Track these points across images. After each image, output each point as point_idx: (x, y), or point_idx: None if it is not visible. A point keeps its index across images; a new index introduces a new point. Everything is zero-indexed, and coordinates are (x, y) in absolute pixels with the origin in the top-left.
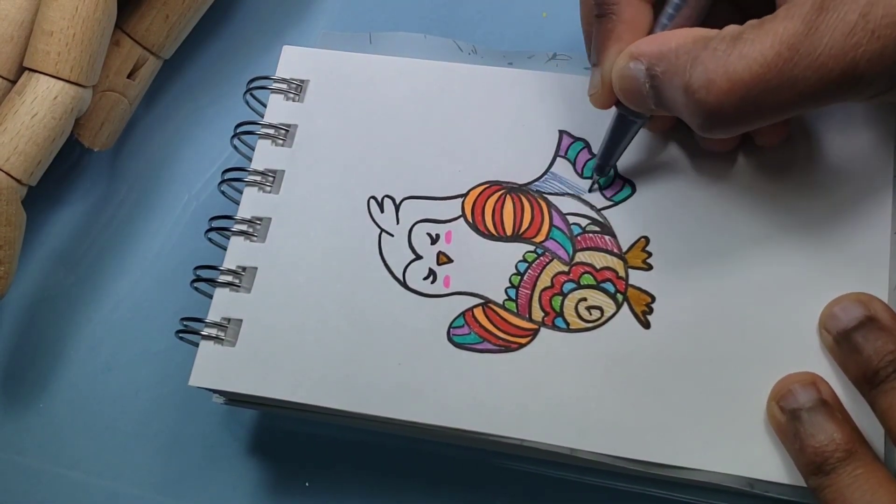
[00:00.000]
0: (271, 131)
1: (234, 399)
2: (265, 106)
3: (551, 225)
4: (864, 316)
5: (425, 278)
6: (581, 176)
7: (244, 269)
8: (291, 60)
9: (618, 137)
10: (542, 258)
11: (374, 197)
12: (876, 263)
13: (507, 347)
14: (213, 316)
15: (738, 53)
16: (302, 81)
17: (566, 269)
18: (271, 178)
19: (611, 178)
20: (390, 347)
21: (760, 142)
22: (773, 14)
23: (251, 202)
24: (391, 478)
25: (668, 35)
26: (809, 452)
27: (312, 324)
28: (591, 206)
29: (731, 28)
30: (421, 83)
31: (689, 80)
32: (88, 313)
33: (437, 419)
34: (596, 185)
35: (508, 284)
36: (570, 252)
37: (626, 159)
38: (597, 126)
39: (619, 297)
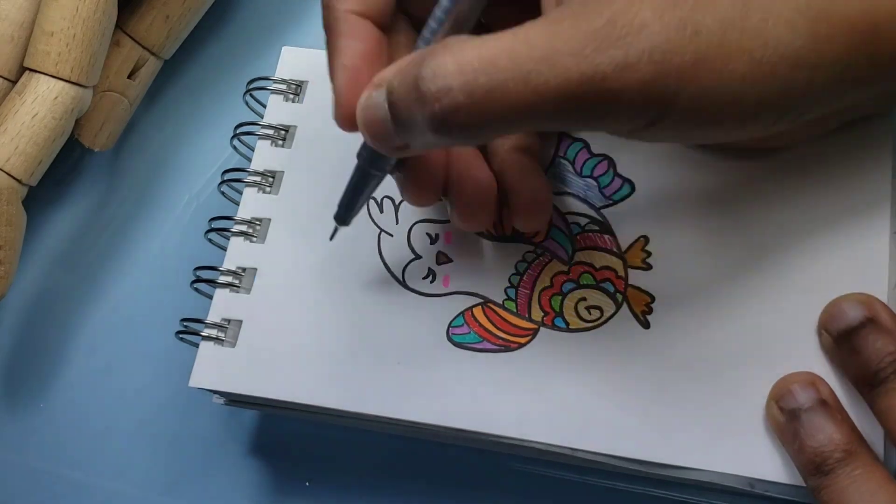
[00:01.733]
0: (271, 132)
1: (234, 400)
2: (265, 106)
3: (550, 224)
4: (863, 317)
5: (425, 278)
6: (580, 176)
7: (244, 269)
8: (291, 61)
9: (359, 188)
10: (541, 258)
11: (373, 197)
12: (875, 263)
13: (506, 347)
14: (212, 317)
15: (472, 44)
16: (301, 82)
17: (566, 268)
18: (271, 179)
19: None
20: (390, 347)
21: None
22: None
23: (251, 203)
24: (391, 478)
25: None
26: (808, 452)
27: (312, 324)
28: (591, 205)
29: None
30: None
31: (420, 72)
32: (88, 313)
33: (437, 419)
34: (335, 236)
35: (508, 284)
36: (570, 251)
37: (625, 158)
38: None
39: (619, 296)
